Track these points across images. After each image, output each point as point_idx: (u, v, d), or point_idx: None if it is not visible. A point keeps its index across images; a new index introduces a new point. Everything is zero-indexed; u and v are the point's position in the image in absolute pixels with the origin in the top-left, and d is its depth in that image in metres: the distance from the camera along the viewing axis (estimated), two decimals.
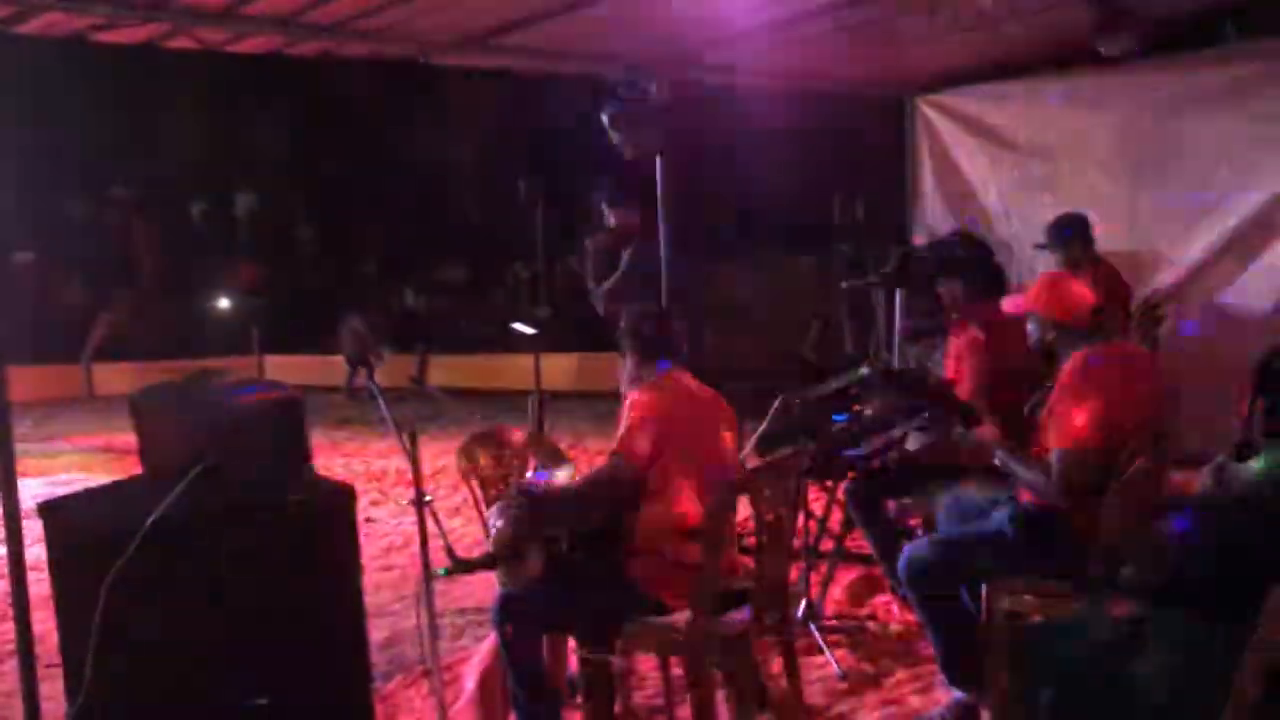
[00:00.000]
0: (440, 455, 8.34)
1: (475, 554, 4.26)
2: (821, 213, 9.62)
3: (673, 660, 3.80)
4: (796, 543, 4.33)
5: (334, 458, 9.84)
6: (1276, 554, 2.35)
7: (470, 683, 4.09)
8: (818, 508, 5.12)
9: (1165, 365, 5.44)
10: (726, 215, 9.69)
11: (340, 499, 2.63)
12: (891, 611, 4.64)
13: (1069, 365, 3.48)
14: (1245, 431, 2.90)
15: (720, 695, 3.57)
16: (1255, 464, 2.68)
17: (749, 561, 3.46)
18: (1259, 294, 5.89)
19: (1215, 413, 5.65)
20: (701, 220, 7.38)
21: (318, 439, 9.78)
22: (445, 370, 15.01)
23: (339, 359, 15.37)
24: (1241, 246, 5.93)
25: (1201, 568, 2.59)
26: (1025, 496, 3.55)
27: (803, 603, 4.35)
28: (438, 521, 3.62)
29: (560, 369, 13.04)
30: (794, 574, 4.34)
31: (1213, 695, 2.39)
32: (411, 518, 3.57)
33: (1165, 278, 6.11)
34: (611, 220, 6.21)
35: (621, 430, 3.35)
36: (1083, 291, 3.65)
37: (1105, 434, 3.29)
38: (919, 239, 7.03)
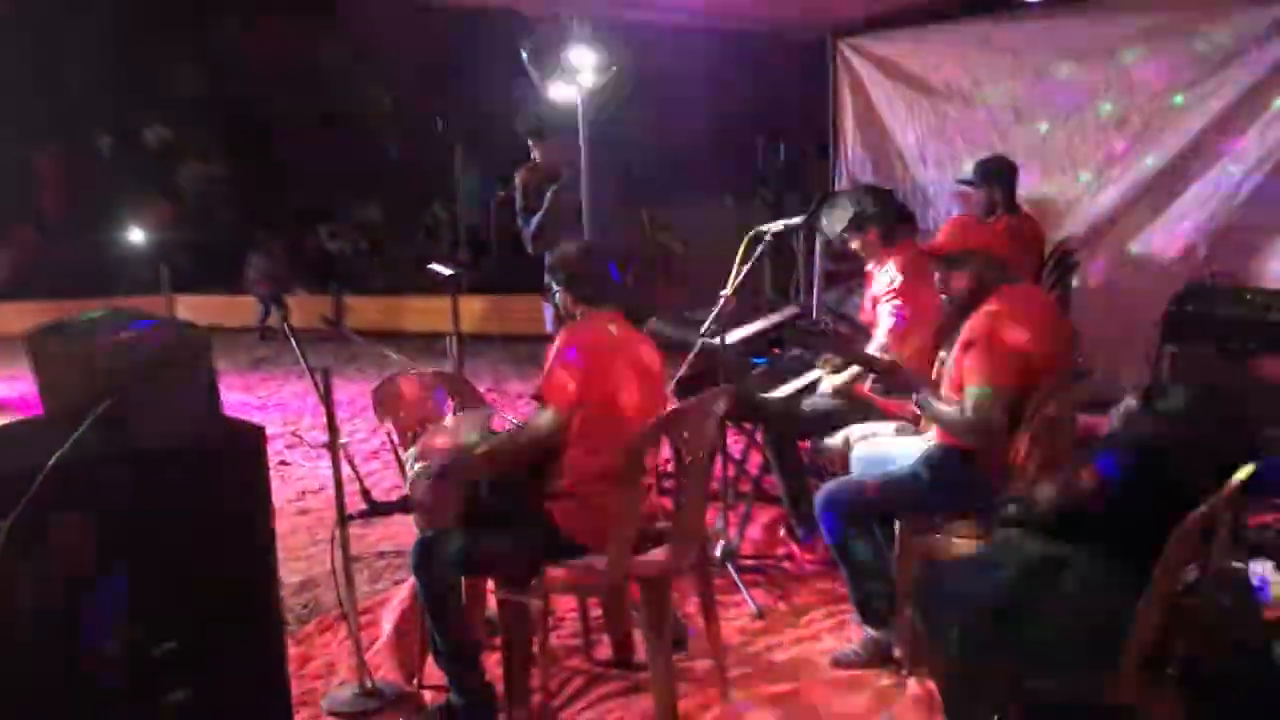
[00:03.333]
0: (357, 397, 8.23)
1: (393, 497, 4.23)
2: (746, 156, 9.61)
3: (591, 601, 3.83)
4: (715, 484, 4.38)
5: (248, 399, 9.65)
6: (1178, 492, 2.41)
7: (388, 625, 4.08)
8: (736, 450, 5.17)
9: (1076, 312, 5.58)
10: (650, 156, 9.63)
11: (249, 440, 2.56)
12: (801, 551, 4.70)
13: (986, 307, 3.53)
14: (1153, 375, 2.98)
15: (638, 635, 3.60)
16: (1161, 407, 2.75)
17: (668, 503, 3.47)
18: (1168, 243, 6.02)
19: (1124, 358, 5.84)
20: (625, 161, 7.31)
21: (231, 381, 9.57)
22: (361, 311, 14.79)
23: (252, 298, 15.03)
24: (1153, 195, 6.04)
25: (1106, 506, 2.65)
26: (939, 437, 3.61)
27: (720, 543, 4.39)
28: (353, 464, 3.58)
29: (480, 311, 12.90)
30: (712, 515, 4.39)
31: (1116, 630, 2.46)
32: (329, 460, 3.52)
33: (1077, 226, 6.21)
34: (537, 155, 6.08)
35: (547, 376, 3.33)
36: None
37: (1021, 375, 3.35)
38: (842, 183, 7.05)
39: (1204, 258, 5.88)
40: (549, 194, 5.81)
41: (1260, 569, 3.63)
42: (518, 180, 6.08)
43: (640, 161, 9.73)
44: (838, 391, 4.47)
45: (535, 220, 5.89)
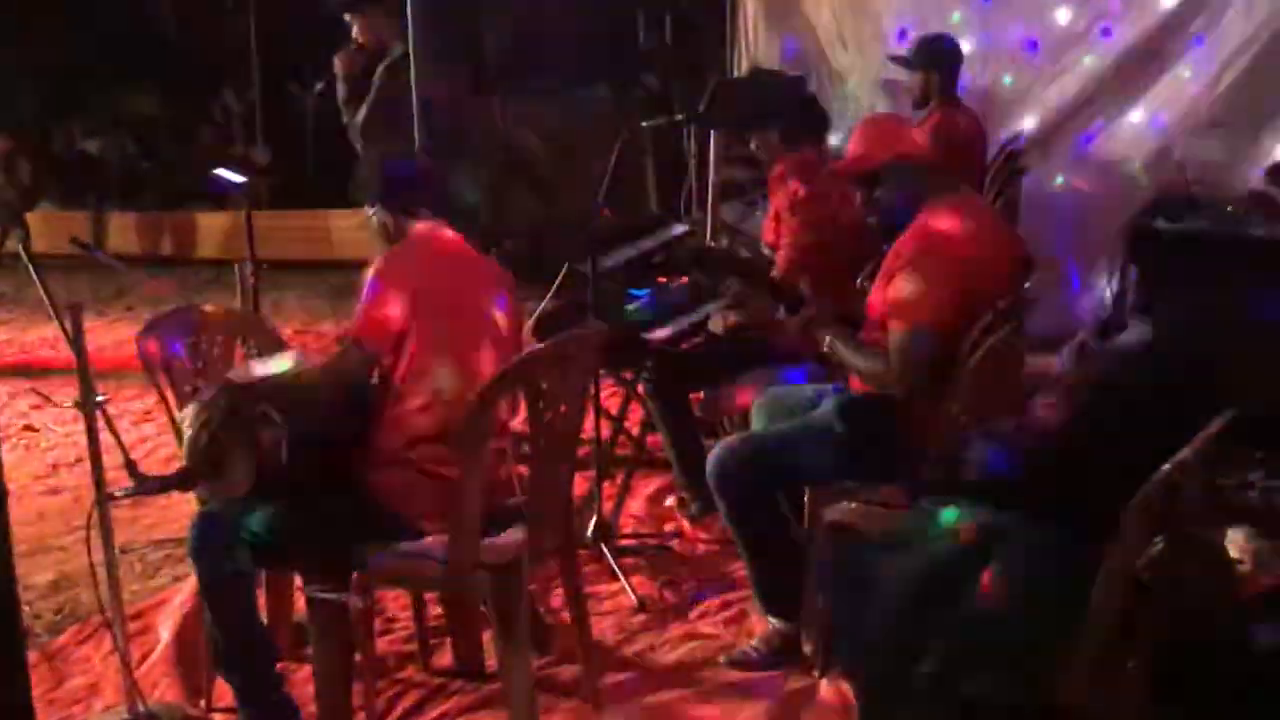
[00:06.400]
0: (124, 343, 8.02)
1: (171, 470, 4.14)
2: (622, 34, 9.54)
3: (429, 597, 3.82)
4: (585, 448, 4.38)
5: None
6: (1139, 447, 2.48)
7: (166, 633, 4.01)
8: (612, 404, 5.18)
9: (1024, 227, 5.70)
10: (500, 33, 9.49)
11: None
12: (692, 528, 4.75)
13: (913, 226, 3.57)
14: (1113, 305, 3.06)
15: (488, 637, 3.61)
16: (1121, 342, 2.82)
17: (525, 472, 3.46)
18: (1136, 142, 6.15)
19: (1080, 284, 6.00)
20: (468, 39, 7.19)
21: None
22: (130, 232, 14.36)
23: None
24: (1120, 84, 6.15)
25: (1053, 465, 2.73)
26: (856, 386, 3.67)
27: (592, 520, 4.41)
28: (114, 430, 3.49)
29: (288, 230, 12.62)
30: (582, 486, 4.40)
31: (1066, 618, 2.54)
32: (84, 425, 3.42)
33: (1027, 122, 6.32)
34: (356, 32, 5.96)
35: (361, 312, 3.29)
36: None
37: (958, 310, 3.40)
38: (740, 69, 7.06)
39: (1178, 160, 6.03)
40: (377, 75, 5.71)
41: (1239, 538, 3.78)
42: (337, 67, 5.97)
43: (491, 38, 9.60)
44: (734, 329, 4.51)
45: (363, 111, 5.80)
